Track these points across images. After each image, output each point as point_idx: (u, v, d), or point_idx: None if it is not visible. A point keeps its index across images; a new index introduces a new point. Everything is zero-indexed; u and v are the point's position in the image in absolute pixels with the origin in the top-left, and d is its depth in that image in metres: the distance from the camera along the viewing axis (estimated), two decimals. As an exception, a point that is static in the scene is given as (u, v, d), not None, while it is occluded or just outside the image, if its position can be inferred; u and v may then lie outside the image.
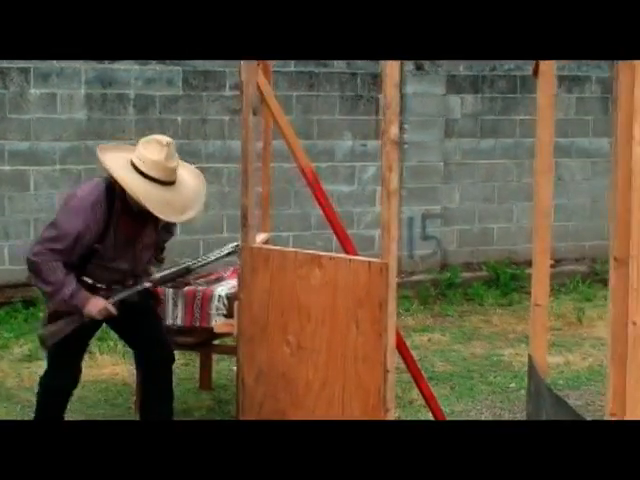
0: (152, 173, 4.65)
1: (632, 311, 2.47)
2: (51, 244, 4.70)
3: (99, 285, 4.92)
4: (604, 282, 9.98)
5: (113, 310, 4.85)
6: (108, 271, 4.90)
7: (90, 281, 4.88)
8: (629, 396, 2.47)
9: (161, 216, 4.70)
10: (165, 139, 4.79)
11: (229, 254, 5.46)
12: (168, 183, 4.72)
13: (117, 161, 4.77)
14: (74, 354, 5.08)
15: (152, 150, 4.70)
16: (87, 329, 5.00)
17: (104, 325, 5.24)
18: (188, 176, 4.97)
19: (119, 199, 4.76)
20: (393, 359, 4.18)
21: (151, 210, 4.62)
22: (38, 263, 4.71)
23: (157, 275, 5.15)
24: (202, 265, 5.35)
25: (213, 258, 5.52)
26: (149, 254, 5.05)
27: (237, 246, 5.22)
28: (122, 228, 4.79)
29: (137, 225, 4.84)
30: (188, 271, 5.31)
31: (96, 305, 4.81)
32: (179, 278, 5.37)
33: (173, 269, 5.27)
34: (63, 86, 8.61)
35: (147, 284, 5.04)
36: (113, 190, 4.76)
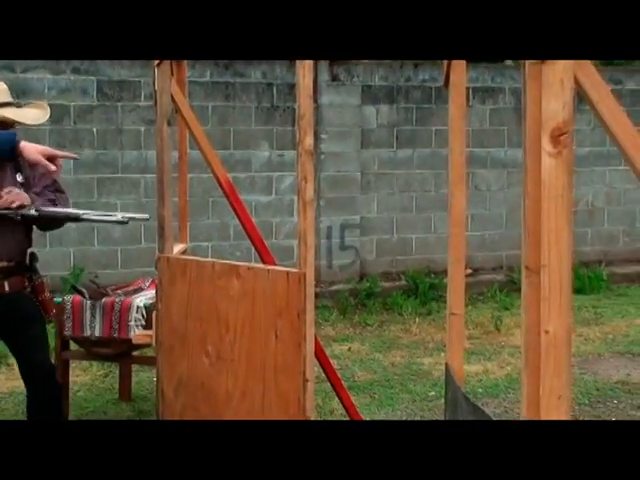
0: None
1: (544, 320, 2.51)
2: None
3: None
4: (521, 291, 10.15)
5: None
6: None
7: None
8: (543, 404, 2.51)
9: (20, 119, 4.75)
10: None
11: (119, 222, 4.94)
12: (10, 104, 4.80)
13: None
14: None
15: None
16: None
17: None
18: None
19: None
20: (312, 368, 4.19)
21: (8, 117, 4.67)
22: None
23: (46, 208, 4.79)
24: (92, 219, 4.94)
25: (106, 218, 5.02)
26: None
27: (129, 219, 4.92)
28: None
29: None
30: (77, 219, 4.86)
31: (13, 196, 4.61)
32: (66, 221, 4.97)
33: (63, 209, 4.92)
34: (-24, 96, 8.50)
35: (33, 211, 4.68)
36: None
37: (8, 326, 4.77)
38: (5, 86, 4.82)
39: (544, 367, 2.52)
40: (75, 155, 5.37)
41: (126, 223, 4.95)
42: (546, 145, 2.47)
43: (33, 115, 4.91)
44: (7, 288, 4.72)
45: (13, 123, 4.75)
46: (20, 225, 4.74)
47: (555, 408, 2.52)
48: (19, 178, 4.77)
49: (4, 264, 4.70)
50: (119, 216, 4.85)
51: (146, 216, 5.09)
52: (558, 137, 2.47)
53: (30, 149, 4.40)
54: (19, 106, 4.98)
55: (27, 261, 4.87)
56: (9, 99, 4.81)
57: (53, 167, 4.39)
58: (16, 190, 4.67)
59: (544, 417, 2.52)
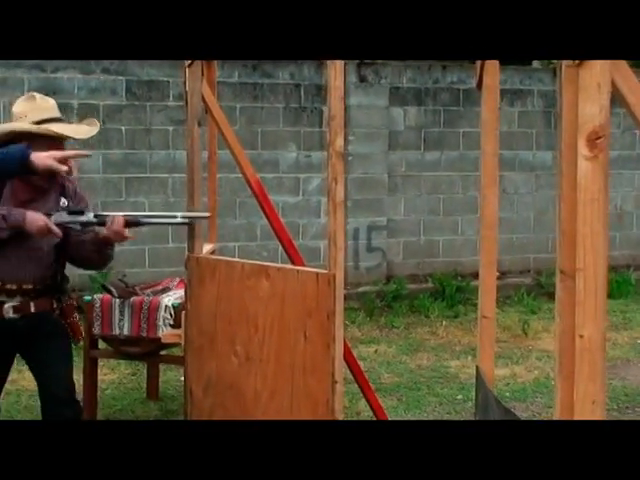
0: (41, 114, 4.53)
1: (579, 324, 2.49)
2: None
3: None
4: (549, 294, 10.14)
5: (56, 230, 4.39)
6: (11, 257, 4.48)
7: None
8: (577, 409, 2.49)
9: (71, 134, 4.56)
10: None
11: (182, 224, 4.96)
12: (59, 119, 4.62)
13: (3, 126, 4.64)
14: None
15: (23, 102, 4.62)
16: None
17: None
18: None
19: None
20: (341, 370, 4.19)
21: (60, 132, 4.49)
22: None
23: (107, 213, 4.63)
24: (152, 223, 4.85)
25: (167, 221, 5.13)
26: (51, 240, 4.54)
27: (190, 218, 4.88)
28: (18, 193, 4.51)
29: (34, 191, 4.53)
30: (137, 223, 4.65)
31: (35, 220, 4.37)
32: (130, 225, 4.61)
33: (122, 213, 4.65)
34: (6, 95, 8.53)
35: (91, 216, 4.52)
36: None
37: (31, 344, 4.63)
38: (53, 102, 4.66)
39: (578, 372, 2.50)
40: (86, 153, 5.20)
41: (188, 224, 4.93)
42: (582, 149, 2.46)
43: (85, 130, 4.73)
44: (33, 309, 4.60)
45: (64, 139, 4.58)
46: (52, 248, 4.59)
47: (589, 413, 2.50)
48: (62, 203, 4.60)
49: (29, 287, 4.58)
50: (179, 217, 4.82)
51: (206, 214, 5.08)
52: (594, 141, 2.45)
53: (39, 158, 4.22)
54: (68, 122, 4.86)
55: (57, 282, 4.68)
56: (57, 114, 4.65)
57: (64, 167, 4.28)
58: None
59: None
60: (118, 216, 4.53)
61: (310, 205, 9.94)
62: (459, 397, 6.78)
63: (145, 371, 6.63)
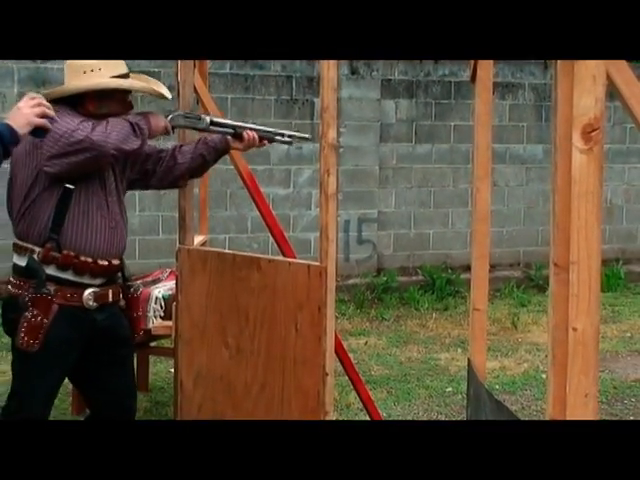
0: (118, 69, 4.04)
1: (572, 317, 2.50)
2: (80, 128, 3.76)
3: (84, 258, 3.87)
4: (538, 287, 10.16)
5: (170, 130, 4.21)
6: (91, 215, 3.94)
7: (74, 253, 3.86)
8: (569, 401, 2.50)
9: (156, 88, 4.22)
10: None
11: (286, 142, 4.59)
12: (128, 75, 4.13)
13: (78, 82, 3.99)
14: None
15: (83, 62, 3.98)
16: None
17: None
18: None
19: None
20: (332, 362, 4.18)
21: (161, 92, 4.20)
22: (83, 141, 3.72)
23: (224, 121, 4.41)
24: (275, 140, 4.51)
25: (276, 137, 4.53)
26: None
27: (291, 137, 4.59)
28: None
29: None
30: (271, 140, 4.47)
31: (158, 121, 4.10)
32: (231, 129, 4.32)
33: (230, 121, 4.47)
34: (-4, 85, 8.51)
35: (208, 118, 4.30)
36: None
37: (101, 348, 4.04)
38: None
39: (571, 365, 2.51)
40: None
41: (290, 144, 4.65)
42: (577, 141, 2.46)
43: (165, 89, 4.32)
44: (110, 297, 4.05)
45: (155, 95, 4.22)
46: (123, 203, 4.14)
47: (582, 406, 2.51)
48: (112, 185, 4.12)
49: (116, 263, 4.03)
50: (286, 136, 4.50)
51: (307, 136, 4.83)
52: (589, 133, 2.45)
53: (17, 120, 3.41)
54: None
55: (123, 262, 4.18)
56: (126, 70, 4.13)
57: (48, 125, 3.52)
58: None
59: (570, 414, 2.50)
60: (252, 130, 4.32)
61: (301, 197, 9.92)
62: (449, 390, 6.78)
63: (135, 363, 6.60)
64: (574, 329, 2.49)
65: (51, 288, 3.82)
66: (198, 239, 5.55)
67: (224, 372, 4.59)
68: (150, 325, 5.63)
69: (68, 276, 3.88)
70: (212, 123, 4.32)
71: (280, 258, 4.79)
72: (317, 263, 4.22)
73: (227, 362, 4.57)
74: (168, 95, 4.29)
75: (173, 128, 4.26)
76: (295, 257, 5.08)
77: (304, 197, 9.90)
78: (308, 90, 9.84)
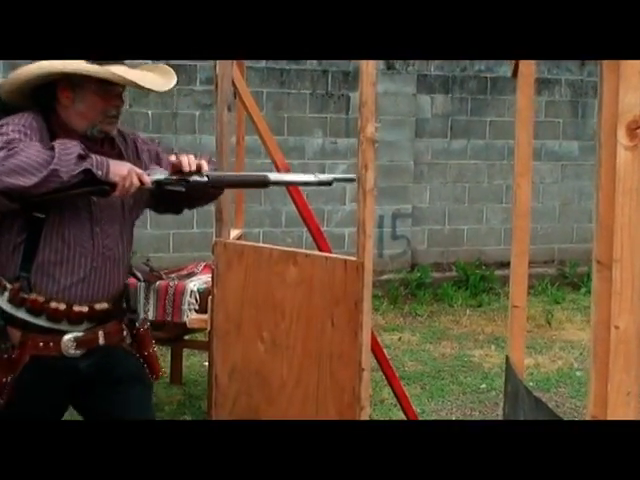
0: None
1: (615, 315, 2.48)
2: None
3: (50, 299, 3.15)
4: (573, 285, 10.11)
5: (147, 180, 3.17)
6: (65, 251, 3.16)
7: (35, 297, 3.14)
8: (610, 400, 2.48)
9: (145, 85, 3.22)
10: None
11: (323, 184, 3.93)
12: (121, 62, 3.23)
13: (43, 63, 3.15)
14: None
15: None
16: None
17: None
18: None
19: (58, 126, 3.20)
20: (368, 357, 4.17)
21: (131, 79, 3.19)
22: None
23: (222, 173, 3.84)
24: (281, 182, 4.19)
25: (303, 179, 4.07)
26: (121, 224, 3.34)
27: (334, 179, 3.97)
28: None
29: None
30: (264, 184, 3.75)
31: (121, 169, 3.08)
32: (250, 187, 3.99)
33: (244, 174, 4.04)
34: None
35: (203, 178, 3.32)
36: (50, 115, 3.22)
37: (96, 394, 3.34)
38: None
39: (613, 363, 2.49)
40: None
41: (330, 184, 3.88)
42: (622, 138, 2.44)
43: (160, 82, 3.37)
44: (102, 340, 3.30)
45: (132, 87, 3.27)
46: (129, 242, 3.40)
47: (623, 405, 2.49)
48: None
49: (104, 307, 3.27)
50: (321, 177, 3.81)
51: (353, 176, 4.17)
52: (634, 130, 2.43)
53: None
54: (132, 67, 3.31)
55: (126, 295, 3.48)
56: None
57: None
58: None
59: (611, 413, 2.49)
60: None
61: (335, 192, 9.90)
62: (482, 386, 6.76)
63: (169, 356, 6.62)
64: (616, 327, 2.47)
65: (17, 336, 3.15)
66: (234, 233, 5.55)
67: (259, 367, 4.59)
68: (185, 318, 5.64)
69: (41, 322, 3.18)
70: (209, 177, 3.40)
71: (317, 253, 4.79)
72: (354, 258, 4.20)
73: (262, 356, 4.57)
74: (157, 89, 3.42)
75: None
76: (331, 252, 5.08)
77: (338, 192, 9.88)
78: (344, 85, 9.83)
